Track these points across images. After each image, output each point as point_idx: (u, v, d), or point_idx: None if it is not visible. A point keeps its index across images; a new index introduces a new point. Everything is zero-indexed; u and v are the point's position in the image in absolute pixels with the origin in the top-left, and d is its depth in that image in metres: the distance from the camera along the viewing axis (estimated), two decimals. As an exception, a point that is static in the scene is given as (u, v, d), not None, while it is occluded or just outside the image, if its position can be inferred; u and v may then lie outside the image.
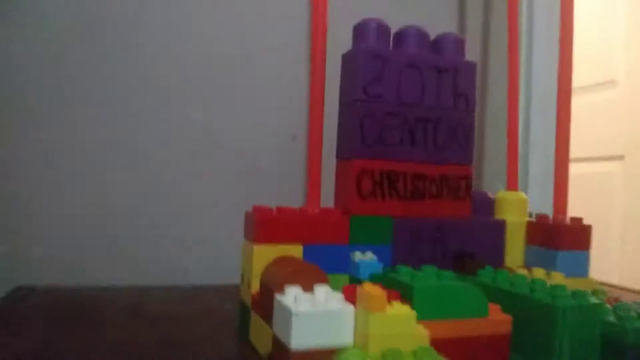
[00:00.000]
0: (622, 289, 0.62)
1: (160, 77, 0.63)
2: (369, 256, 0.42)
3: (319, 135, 0.44)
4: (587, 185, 1.26)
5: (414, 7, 0.73)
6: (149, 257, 0.62)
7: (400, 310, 0.30)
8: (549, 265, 0.46)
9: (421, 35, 0.46)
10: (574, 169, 0.50)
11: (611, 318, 0.35)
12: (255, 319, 0.38)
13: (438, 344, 0.31)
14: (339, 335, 0.30)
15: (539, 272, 0.45)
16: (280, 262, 0.37)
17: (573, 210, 0.50)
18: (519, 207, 0.50)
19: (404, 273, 0.35)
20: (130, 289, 0.55)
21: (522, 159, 0.77)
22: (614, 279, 0.87)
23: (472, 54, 0.53)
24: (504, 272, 0.39)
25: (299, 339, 0.29)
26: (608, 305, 0.37)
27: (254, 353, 0.36)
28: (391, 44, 0.46)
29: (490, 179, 0.77)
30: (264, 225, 0.39)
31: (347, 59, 0.45)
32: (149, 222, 0.62)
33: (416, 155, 0.45)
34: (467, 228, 0.46)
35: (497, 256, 0.48)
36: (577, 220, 0.47)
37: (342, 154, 0.45)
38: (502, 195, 0.51)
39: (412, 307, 0.32)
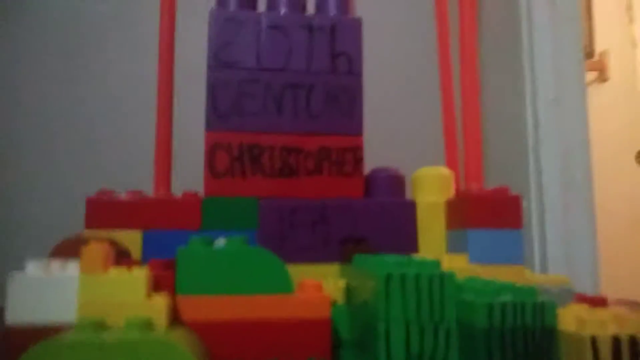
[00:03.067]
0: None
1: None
2: (221, 243, 0.36)
3: (167, 110, 0.39)
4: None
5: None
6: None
7: (124, 273, 0.24)
8: (464, 249, 0.36)
9: (292, -5, 0.41)
10: None
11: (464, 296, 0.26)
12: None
13: (210, 328, 0.25)
14: (62, 309, 0.24)
15: (448, 259, 0.35)
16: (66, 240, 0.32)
17: None
18: (439, 184, 0.41)
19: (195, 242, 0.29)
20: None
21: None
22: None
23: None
24: (377, 256, 0.31)
25: (15, 312, 0.24)
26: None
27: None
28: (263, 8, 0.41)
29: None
30: (94, 208, 0.36)
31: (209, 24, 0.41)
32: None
33: (285, 126, 0.39)
34: (357, 210, 0.39)
35: (405, 242, 0.39)
36: (500, 192, 0.37)
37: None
38: (419, 172, 0.42)
39: (176, 279, 0.26)
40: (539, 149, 0.66)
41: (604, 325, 0.23)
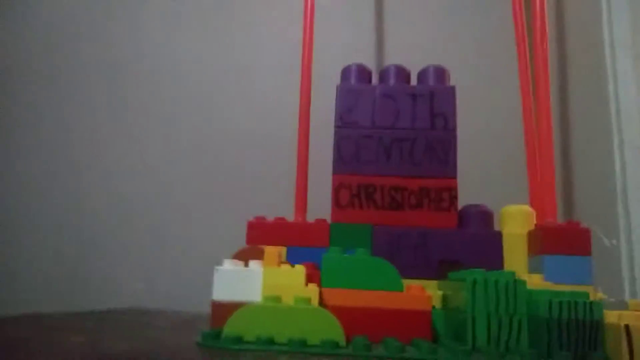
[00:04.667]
0: None
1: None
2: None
3: (305, 157, 0.53)
4: None
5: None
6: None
7: (290, 268, 0.36)
8: (541, 271, 0.45)
9: (399, 70, 0.53)
10: None
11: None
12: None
13: (344, 311, 0.36)
14: (250, 291, 0.37)
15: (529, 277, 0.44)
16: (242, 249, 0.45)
17: None
18: (522, 219, 0.49)
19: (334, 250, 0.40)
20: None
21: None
22: None
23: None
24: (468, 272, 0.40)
25: (218, 292, 0.37)
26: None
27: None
28: (376, 81, 0.54)
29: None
30: (252, 229, 0.49)
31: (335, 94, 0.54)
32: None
33: (393, 170, 0.50)
34: (451, 237, 0.48)
35: (491, 266, 0.47)
36: (572, 224, 0.45)
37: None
38: (505, 208, 0.51)
39: (321, 276, 0.38)
40: (626, 192, 0.71)
41: (638, 318, 0.31)
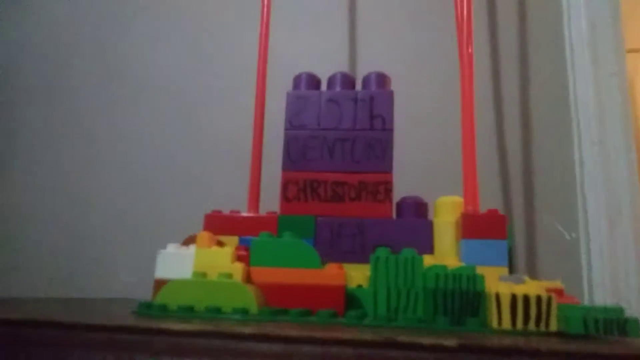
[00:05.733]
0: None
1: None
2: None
3: (258, 156, 0.58)
4: None
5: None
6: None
7: (218, 249, 0.42)
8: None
9: (344, 77, 0.58)
10: None
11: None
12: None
13: (269, 286, 0.42)
14: (184, 269, 0.43)
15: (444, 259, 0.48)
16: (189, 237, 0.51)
17: None
18: (453, 208, 0.54)
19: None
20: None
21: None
22: None
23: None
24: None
25: (160, 271, 0.43)
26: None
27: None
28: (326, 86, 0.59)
29: (544, 216, 0.76)
30: (209, 221, 0.55)
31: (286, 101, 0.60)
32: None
33: (335, 167, 0.55)
34: (385, 226, 0.53)
35: (423, 251, 0.52)
36: (491, 212, 0.49)
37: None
38: (439, 199, 0.55)
39: (250, 257, 0.43)
40: (584, 185, 0.74)
41: (508, 287, 0.35)
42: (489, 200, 0.73)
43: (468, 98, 0.54)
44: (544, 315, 0.34)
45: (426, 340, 0.26)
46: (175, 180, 0.84)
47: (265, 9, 0.63)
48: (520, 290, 0.35)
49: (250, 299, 0.38)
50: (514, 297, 0.35)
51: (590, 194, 0.74)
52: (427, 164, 0.75)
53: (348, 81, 0.59)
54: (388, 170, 0.55)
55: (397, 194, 0.56)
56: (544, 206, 0.75)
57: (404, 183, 0.60)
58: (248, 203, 0.58)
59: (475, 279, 0.37)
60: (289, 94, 0.58)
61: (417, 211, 0.55)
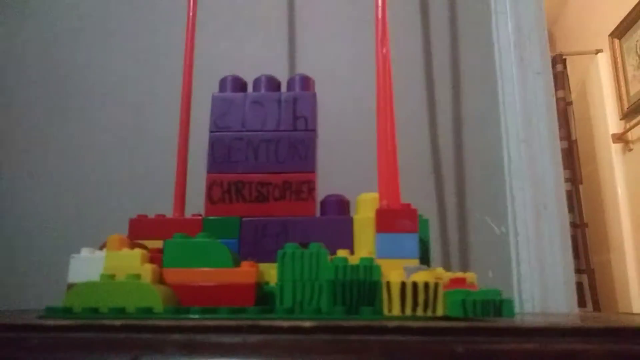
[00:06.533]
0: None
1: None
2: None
3: (183, 160, 0.59)
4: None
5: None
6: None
7: (128, 252, 0.42)
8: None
9: (269, 80, 0.60)
10: None
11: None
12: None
13: (182, 287, 0.42)
14: (95, 272, 0.43)
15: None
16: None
17: None
18: (372, 205, 0.55)
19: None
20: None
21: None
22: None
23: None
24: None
25: (72, 275, 0.43)
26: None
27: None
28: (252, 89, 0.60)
29: (475, 212, 0.78)
30: (133, 226, 0.55)
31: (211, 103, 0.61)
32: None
33: (260, 168, 0.56)
34: (308, 224, 0.54)
35: (343, 246, 0.53)
36: (403, 206, 0.51)
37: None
38: (360, 196, 0.57)
39: (163, 258, 0.44)
40: (512, 182, 0.77)
41: (399, 277, 0.37)
42: (422, 199, 0.75)
43: (383, 98, 0.55)
44: (431, 301, 0.35)
45: (285, 324, 0.28)
46: (101, 185, 0.84)
47: (190, 13, 0.64)
48: (411, 278, 0.37)
49: (155, 299, 0.39)
50: (403, 285, 0.36)
51: (518, 190, 0.77)
52: (353, 163, 0.77)
53: (273, 83, 0.60)
54: (311, 169, 0.56)
55: (324, 193, 0.57)
56: (474, 202, 0.78)
57: (331, 182, 0.61)
58: (173, 206, 0.58)
59: (372, 270, 0.39)
60: (214, 96, 0.59)
61: (339, 209, 0.56)
